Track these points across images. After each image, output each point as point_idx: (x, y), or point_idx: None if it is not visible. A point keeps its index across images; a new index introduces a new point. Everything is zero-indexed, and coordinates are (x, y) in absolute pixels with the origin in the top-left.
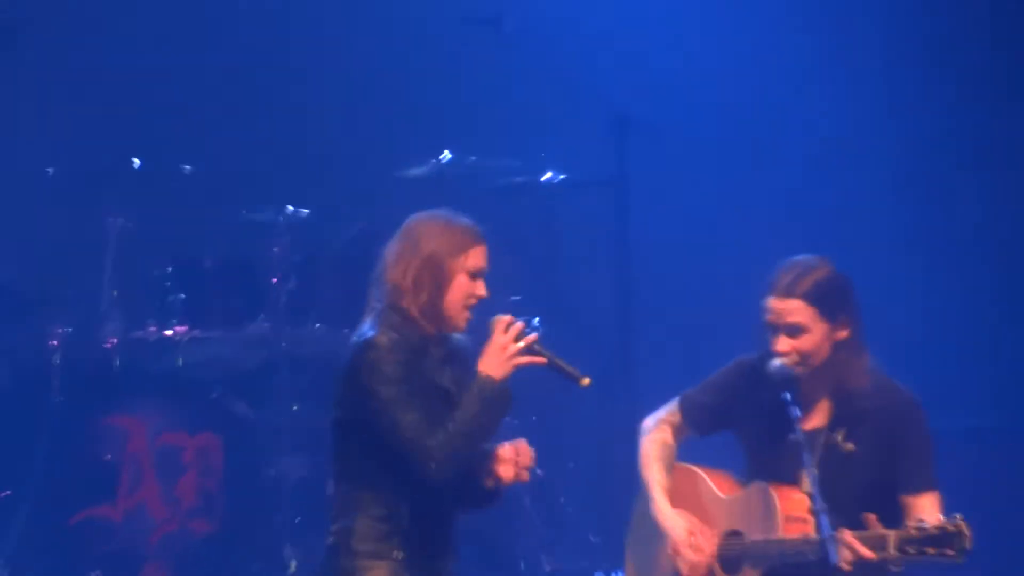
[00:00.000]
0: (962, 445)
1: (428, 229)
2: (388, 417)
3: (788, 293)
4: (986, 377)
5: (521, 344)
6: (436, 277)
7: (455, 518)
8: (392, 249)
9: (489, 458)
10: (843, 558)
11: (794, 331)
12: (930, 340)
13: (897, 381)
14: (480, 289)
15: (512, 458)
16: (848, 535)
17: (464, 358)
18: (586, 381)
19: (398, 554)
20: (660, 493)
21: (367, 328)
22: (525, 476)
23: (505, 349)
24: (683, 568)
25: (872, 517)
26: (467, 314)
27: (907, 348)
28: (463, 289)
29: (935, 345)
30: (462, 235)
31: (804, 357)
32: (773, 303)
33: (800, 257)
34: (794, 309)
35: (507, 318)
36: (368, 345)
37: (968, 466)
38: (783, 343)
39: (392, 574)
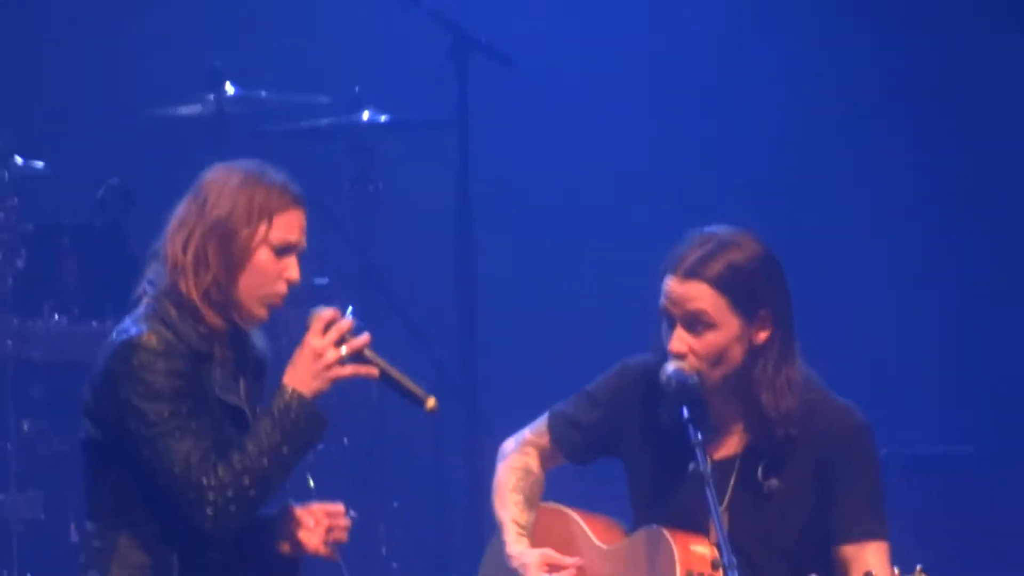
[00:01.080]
0: (921, 476)
1: (222, 184)
2: (153, 445)
3: (691, 274)
4: (956, 395)
5: (343, 350)
6: (226, 252)
7: (241, 574)
8: (177, 212)
9: (285, 517)
10: None
11: (696, 325)
12: (884, 346)
13: (836, 397)
14: (290, 270)
15: (320, 522)
16: None
17: (264, 366)
18: (431, 402)
19: None
20: (514, 532)
21: (131, 322)
22: (332, 553)
23: (322, 356)
24: None
25: None
26: (269, 302)
27: (855, 356)
28: (265, 270)
29: (892, 353)
30: (267, 195)
31: (707, 361)
32: (671, 285)
33: (716, 228)
34: (697, 296)
35: (328, 313)
36: (131, 346)
37: (931, 502)
38: (680, 340)
39: None
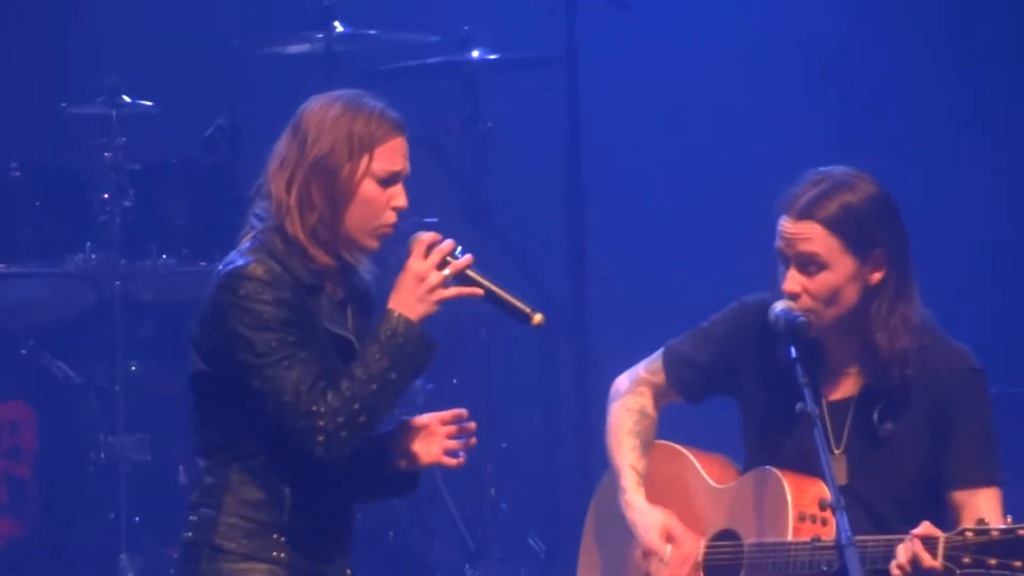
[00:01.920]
0: None
1: (320, 119)
2: (262, 374)
3: (805, 214)
4: None
5: (447, 272)
6: (330, 189)
7: (352, 509)
8: (278, 149)
9: (402, 430)
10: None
11: (809, 265)
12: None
13: (952, 341)
14: (398, 199)
15: (436, 431)
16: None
17: (372, 299)
18: (538, 318)
19: (279, 554)
20: (632, 480)
21: (237, 254)
22: (451, 461)
23: (425, 279)
24: None
25: (921, 531)
26: (379, 233)
27: (977, 296)
28: (371, 201)
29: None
30: (366, 126)
31: (821, 301)
32: (785, 225)
33: (832, 168)
34: (810, 236)
35: (429, 236)
36: (237, 276)
37: None
38: (793, 280)
39: None
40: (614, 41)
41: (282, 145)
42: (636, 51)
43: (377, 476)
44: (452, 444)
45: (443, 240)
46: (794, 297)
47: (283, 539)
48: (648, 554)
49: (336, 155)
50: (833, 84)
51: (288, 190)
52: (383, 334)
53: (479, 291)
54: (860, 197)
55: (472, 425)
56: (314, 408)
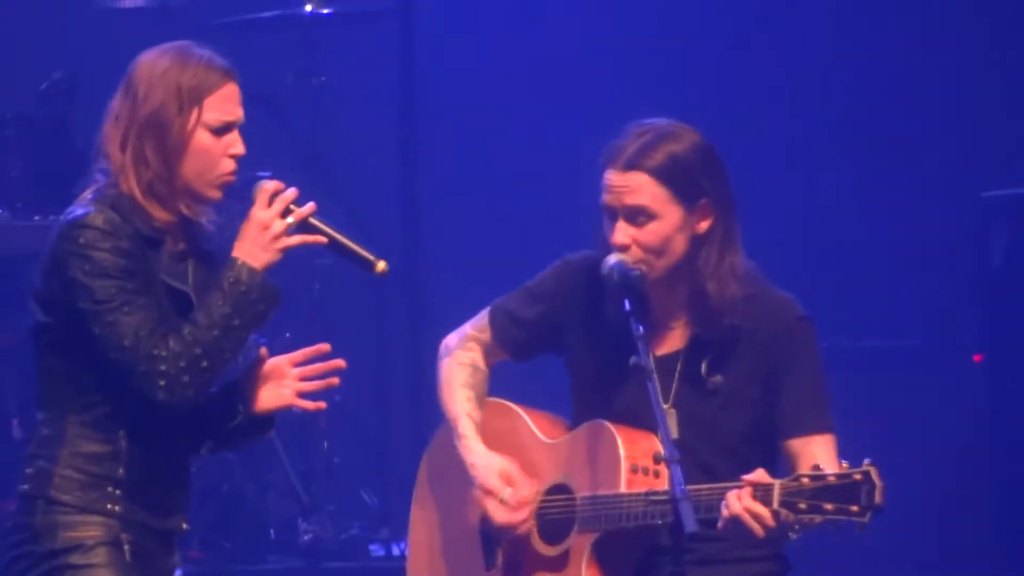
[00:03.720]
0: (866, 371)
1: (149, 75)
2: (101, 320)
3: (631, 165)
4: (906, 287)
5: (291, 220)
6: (163, 144)
7: (189, 464)
8: (112, 106)
9: (251, 374)
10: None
11: (637, 216)
12: (830, 237)
13: (778, 290)
14: (234, 146)
15: (286, 373)
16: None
17: (214, 254)
18: (382, 265)
19: (114, 507)
20: (470, 427)
21: (77, 205)
22: (307, 404)
23: (269, 227)
24: (496, 526)
25: (754, 477)
26: (220, 182)
27: (798, 248)
28: (206, 152)
29: (837, 244)
30: (194, 77)
31: (651, 253)
32: (611, 178)
33: (654, 120)
34: (638, 187)
35: (272, 185)
36: (76, 225)
37: (877, 396)
38: (622, 232)
39: (107, 536)
40: None
41: (115, 102)
42: (471, 3)
43: (228, 422)
44: (305, 386)
45: (286, 189)
46: (624, 249)
47: (119, 492)
48: (487, 494)
49: (166, 110)
50: (679, 36)
51: (123, 148)
52: (226, 281)
53: (323, 239)
54: (685, 146)
55: (338, 362)
56: (155, 352)
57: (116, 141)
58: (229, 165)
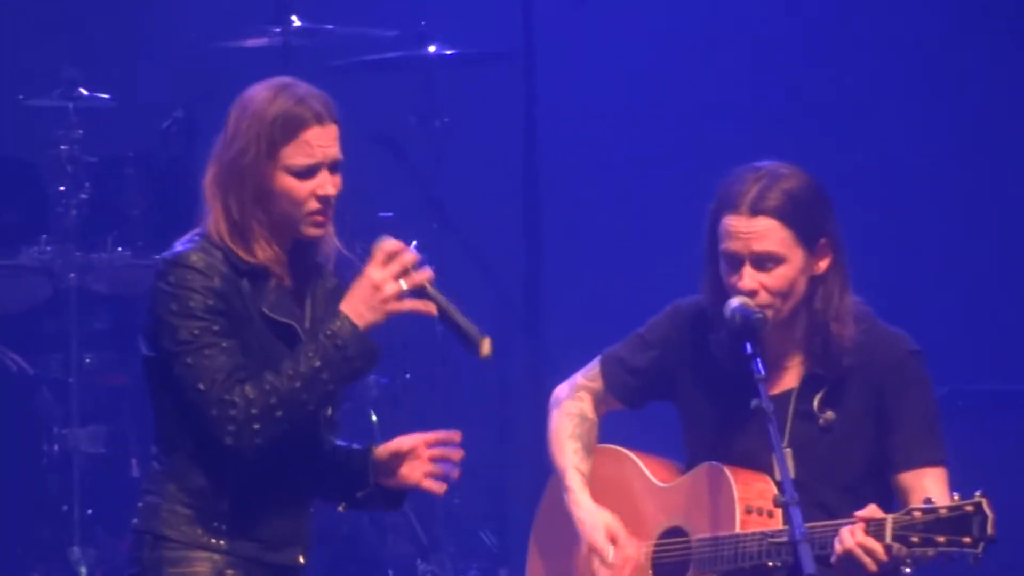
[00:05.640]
0: (980, 413)
1: (237, 119)
2: (183, 361)
3: (757, 210)
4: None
5: (404, 284)
6: (241, 191)
7: (305, 499)
8: (215, 144)
9: (389, 451)
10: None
11: (765, 262)
12: (940, 279)
13: (887, 325)
14: (321, 187)
15: (421, 454)
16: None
17: (338, 290)
18: (486, 348)
19: (219, 542)
20: (578, 480)
21: (179, 242)
22: (435, 487)
23: (380, 288)
24: None
25: (866, 513)
26: (312, 222)
27: (905, 286)
28: (290, 194)
29: (948, 286)
30: (280, 120)
31: (778, 297)
32: (735, 224)
33: (763, 164)
34: (765, 232)
35: (392, 244)
36: (170, 263)
37: (989, 438)
38: (750, 278)
39: (212, 571)
40: (571, 36)
41: (217, 141)
42: (593, 46)
43: (358, 490)
44: (433, 468)
45: (406, 250)
46: (752, 295)
47: (224, 527)
48: (592, 551)
49: (245, 156)
50: (784, 82)
51: (212, 189)
52: (324, 334)
53: (432, 308)
54: (800, 185)
55: (456, 453)
56: (226, 397)
57: (210, 179)
58: (313, 205)
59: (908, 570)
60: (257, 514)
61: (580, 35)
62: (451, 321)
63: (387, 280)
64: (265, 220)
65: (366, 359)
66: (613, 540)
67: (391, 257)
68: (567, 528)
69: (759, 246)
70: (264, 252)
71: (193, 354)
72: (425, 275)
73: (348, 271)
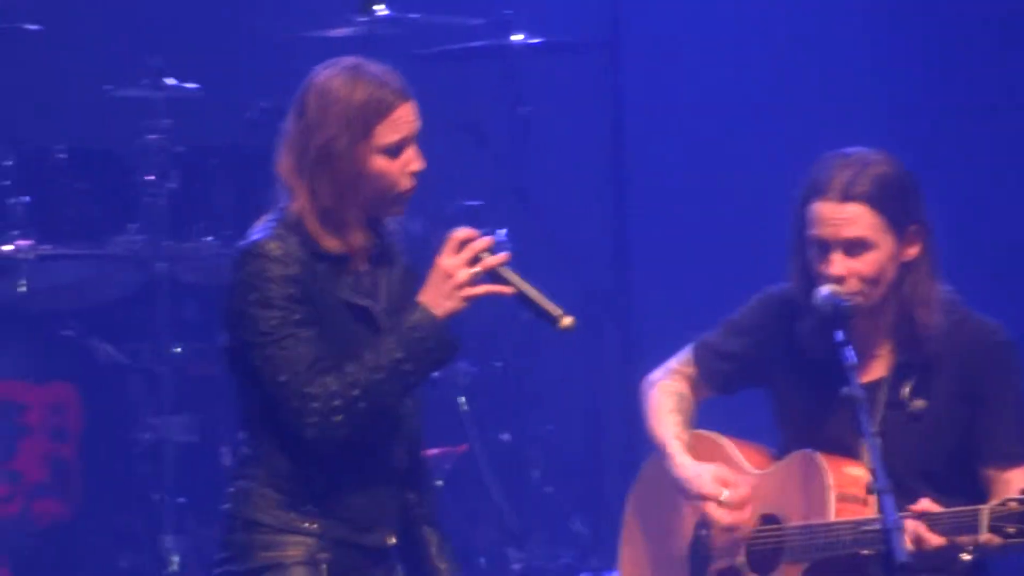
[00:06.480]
0: None
1: (320, 104)
2: (262, 353)
3: (847, 196)
4: None
5: (478, 268)
6: (338, 176)
7: (393, 481)
8: (286, 129)
9: None
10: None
11: (855, 248)
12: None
13: (981, 315)
14: (411, 163)
15: None
16: (915, 523)
17: (412, 271)
18: (567, 321)
19: (311, 525)
20: (679, 447)
21: (256, 229)
22: None
23: (453, 276)
24: (716, 534)
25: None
26: (400, 199)
27: (994, 268)
28: (384, 175)
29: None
30: (366, 101)
31: (867, 284)
32: (825, 210)
33: (851, 150)
34: (855, 217)
35: (464, 233)
36: (248, 252)
37: None
38: (839, 264)
39: (304, 556)
40: (658, 26)
41: (289, 123)
42: (679, 36)
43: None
44: None
45: (477, 237)
46: (841, 281)
47: (315, 510)
48: (705, 500)
49: (337, 142)
50: (870, 77)
51: (296, 176)
52: (404, 325)
53: (508, 289)
54: (890, 171)
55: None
56: (308, 389)
57: (290, 167)
58: (407, 182)
59: (968, 557)
60: (347, 497)
61: (667, 25)
62: (528, 300)
63: (459, 266)
64: (358, 204)
65: (447, 349)
66: (725, 484)
67: (462, 245)
68: (666, 502)
69: (849, 232)
70: (356, 239)
71: (272, 345)
72: (498, 258)
73: (415, 252)
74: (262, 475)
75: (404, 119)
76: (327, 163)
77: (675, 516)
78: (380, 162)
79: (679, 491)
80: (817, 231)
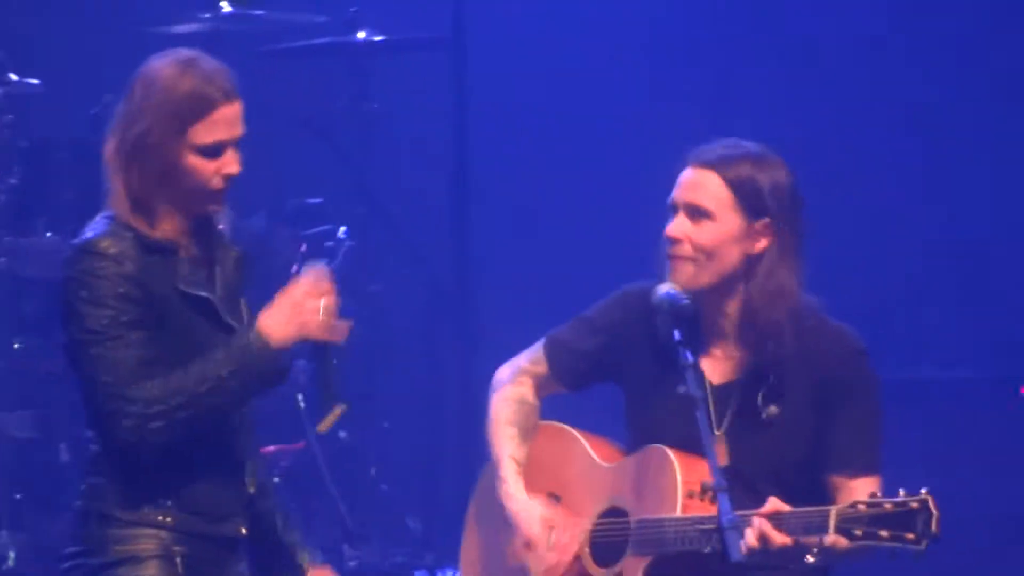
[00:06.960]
0: (918, 402)
1: (142, 95)
2: (87, 352)
3: (707, 164)
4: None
5: (322, 317)
6: (145, 169)
7: (241, 471)
8: (114, 116)
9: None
10: (747, 543)
11: (697, 214)
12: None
13: (834, 322)
14: (227, 166)
15: None
16: (761, 521)
17: (244, 256)
18: (337, 411)
19: (164, 518)
20: (512, 470)
21: (90, 226)
22: None
23: (301, 311)
24: (535, 571)
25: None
26: (215, 199)
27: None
28: (196, 173)
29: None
30: (188, 98)
31: (701, 253)
32: (685, 174)
33: (749, 142)
34: (704, 184)
35: (327, 284)
36: (80, 250)
37: (928, 428)
38: (678, 226)
39: (159, 549)
40: (502, 24)
41: (117, 112)
42: (524, 33)
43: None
44: None
45: (333, 290)
46: (676, 243)
47: (169, 503)
48: (529, 545)
49: (151, 135)
50: (719, 81)
51: (114, 164)
52: (236, 342)
53: (329, 351)
54: (765, 168)
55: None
56: (129, 392)
57: (112, 151)
58: (219, 183)
59: (812, 559)
60: (198, 489)
61: (512, 22)
62: (330, 370)
63: (310, 301)
64: (168, 196)
65: (276, 375)
66: (550, 527)
67: (319, 287)
68: (502, 517)
69: (693, 196)
70: (168, 227)
71: (99, 344)
72: (347, 325)
73: (254, 248)
74: (114, 471)
75: (224, 121)
76: (141, 152)
77: (511, 527)
78: (193, 160)
79: (506, 522)
80: (672, 195)
